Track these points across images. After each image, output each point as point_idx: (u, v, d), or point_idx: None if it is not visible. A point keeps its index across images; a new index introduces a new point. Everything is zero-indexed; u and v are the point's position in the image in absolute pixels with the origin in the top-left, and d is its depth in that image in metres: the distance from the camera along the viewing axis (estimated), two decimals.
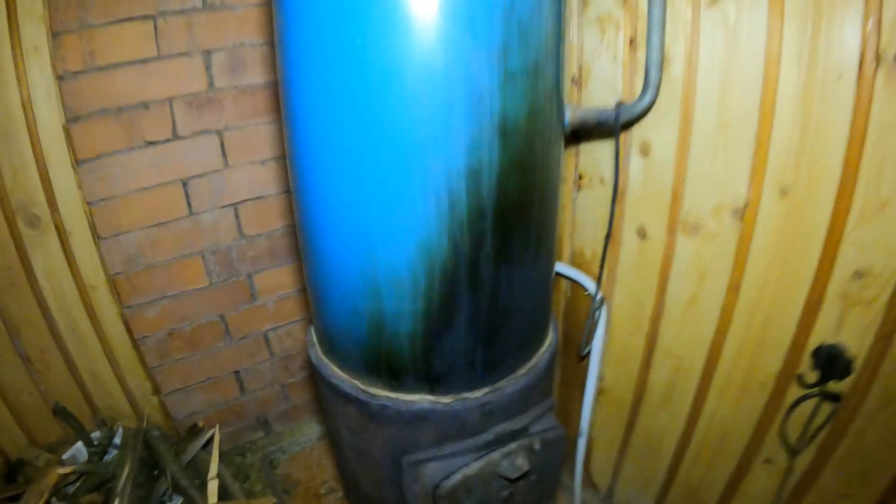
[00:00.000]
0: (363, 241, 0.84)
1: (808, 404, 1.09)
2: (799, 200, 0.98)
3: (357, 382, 1.02)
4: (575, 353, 1.53)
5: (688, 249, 1.17)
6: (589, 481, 1.68)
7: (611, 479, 1.63)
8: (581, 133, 1.28)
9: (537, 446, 1.07)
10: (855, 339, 1.00)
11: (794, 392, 1.11)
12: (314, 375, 1.12)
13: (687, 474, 1.41)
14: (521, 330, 0.99)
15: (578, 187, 1.36)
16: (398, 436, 1.01)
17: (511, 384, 1.02)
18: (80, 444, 1.63)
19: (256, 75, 1.64)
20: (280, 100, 0.88)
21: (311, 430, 2.14)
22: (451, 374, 0.95)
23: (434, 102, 0.73)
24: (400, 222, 0.81)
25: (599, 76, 1.19)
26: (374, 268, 0.86)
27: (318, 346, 1.13)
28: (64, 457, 1.58)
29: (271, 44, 1.61)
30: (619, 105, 1.04)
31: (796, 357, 1.08)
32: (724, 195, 1.07)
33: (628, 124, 1.16)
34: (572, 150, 1.33)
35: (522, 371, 1.04)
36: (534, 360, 1.06)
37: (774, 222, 1.02)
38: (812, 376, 1.07)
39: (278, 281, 1.92)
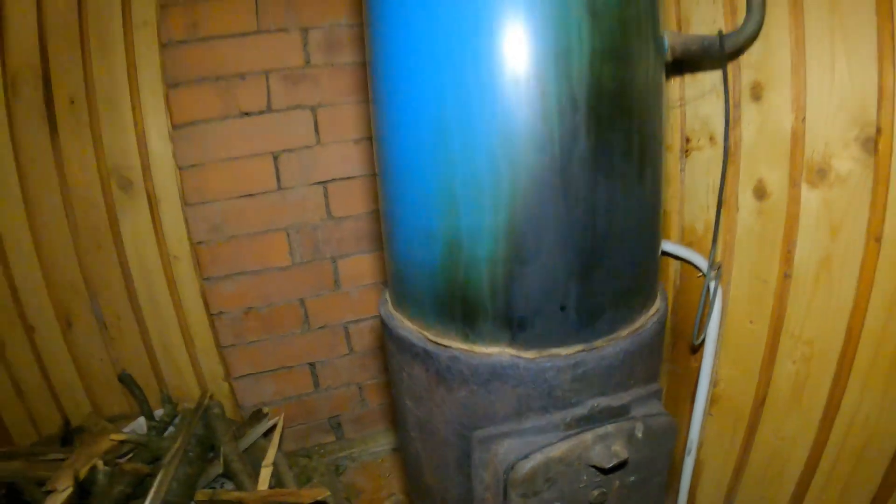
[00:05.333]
0: (437, 128, 0.73)
1: None
2: None
3: (426, 333, 0.87)
4: (685, 351, 1.31)
5: (814, 201, 0.99)
6: None
7: None
8: (685, 64, 1.18)
9: (640, 434, 0.86)
10: None
11: None
12: (383, 334, 0.99)
13: (818, 499, 1.13)
14: (622, 270, 0.81)
15: (686, 153, 1.19)
16: (469, 403, 0.84)
17: (611, 346, 0.83)
18: (141, 419, 1.58)
19: (351, 54, 1.62)
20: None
21: (384, 440, 1.99)
22: (536, 318, 0.79)
23: None
24: (480, 105, 0.69)
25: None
26: (451, 169, 0.73)
27: (388, 301, 1.00)
28: (124, 430, 1.53)
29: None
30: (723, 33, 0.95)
31: None
32: (850, 126, 0.91)
33: (735, 54, 1.06)
34: (677, 111, 1.20)
35: (624, 332, 0.85)
36: (638, 323, 0.87)
37: None
38: None
39: (362, 269, 1.83)
